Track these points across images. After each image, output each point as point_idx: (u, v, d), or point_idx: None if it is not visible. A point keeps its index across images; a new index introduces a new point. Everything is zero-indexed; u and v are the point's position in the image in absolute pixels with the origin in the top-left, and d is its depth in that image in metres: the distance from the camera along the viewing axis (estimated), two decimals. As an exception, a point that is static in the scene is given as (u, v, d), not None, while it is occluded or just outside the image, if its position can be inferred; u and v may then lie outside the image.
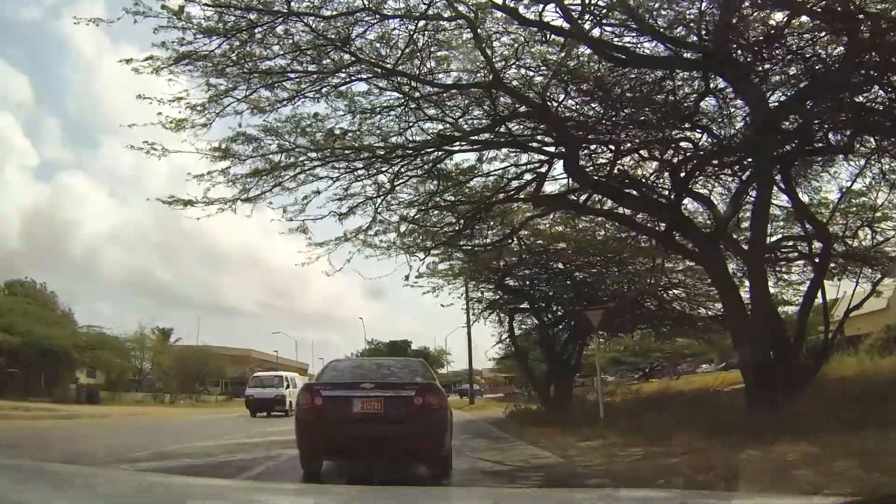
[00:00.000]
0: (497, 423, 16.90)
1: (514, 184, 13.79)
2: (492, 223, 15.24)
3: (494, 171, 13.08)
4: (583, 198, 13.36)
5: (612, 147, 12.44)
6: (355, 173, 13.24)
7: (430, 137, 11.74)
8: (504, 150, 13.21)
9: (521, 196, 13.24)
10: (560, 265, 19.53)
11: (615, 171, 12.37)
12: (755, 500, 2.94)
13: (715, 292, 20.83)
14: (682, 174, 12.27)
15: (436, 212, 14.25)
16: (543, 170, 12.99)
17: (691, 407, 15.26)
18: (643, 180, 12.87)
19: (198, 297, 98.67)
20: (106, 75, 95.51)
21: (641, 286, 18.03)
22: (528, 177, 13.46)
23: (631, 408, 16.32)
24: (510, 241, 15.30)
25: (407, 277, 16.36)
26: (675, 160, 12.19)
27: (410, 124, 12.34)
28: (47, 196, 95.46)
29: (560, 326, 20.34)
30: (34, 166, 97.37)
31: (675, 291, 19.85)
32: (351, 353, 60.95)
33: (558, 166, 14.32)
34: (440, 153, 12.51)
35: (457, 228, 14.27)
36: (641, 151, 12.54)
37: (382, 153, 12.50)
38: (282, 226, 14.11)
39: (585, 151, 12.68)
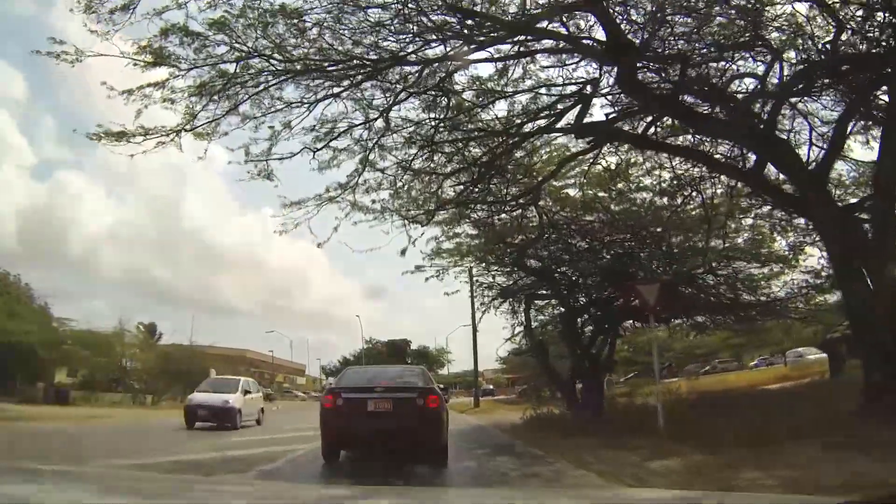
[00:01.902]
0: (515, 432, 13.04)
1: (540, 128, 10.08)
2: (510, 177, 11.42)
3: (521, 91, 9.30)
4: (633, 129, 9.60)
5: (680, 55, 8.71)
6: (338, 96, 9.54)
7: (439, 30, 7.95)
8: (534, 75, 9.52)
9: (559, 127, 9.46)
10: (584, 244, 15.78)
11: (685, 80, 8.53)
12: (755, 500, 2.64)
13: (761, 275, 17.32)
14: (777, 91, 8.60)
15: (442, 157, 10.49)
16: (584, 93, 9.26)
17: (762, 408, 11.54)
18: (728, 92, 8.94)
19: (197, 298, 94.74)
20: (99, 71, 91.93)
21: (693, 263, 14.30)
22: (561, 108, 9.74)
23: (683, 411, 12.56)
24: (533, 199, 11.46)
25: (404, 253, 12.73)
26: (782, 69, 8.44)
27: (411, 32, 8.64)
28: (44, 195, 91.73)
29: (586, 316, 16.54)
30: (31, 165, 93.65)
31: (717, 275, 16.10)
32: (349, 354, 57.03)
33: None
34: (451, 65, 8.79)
35: (471, 178, 10.51)
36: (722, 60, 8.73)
37: (372, 63, 8.79)
38: (246, 183, 10.36)
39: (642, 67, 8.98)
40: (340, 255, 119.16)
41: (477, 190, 10.83)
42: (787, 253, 16.37)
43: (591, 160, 12.60)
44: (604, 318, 16.04)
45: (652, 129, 9.67)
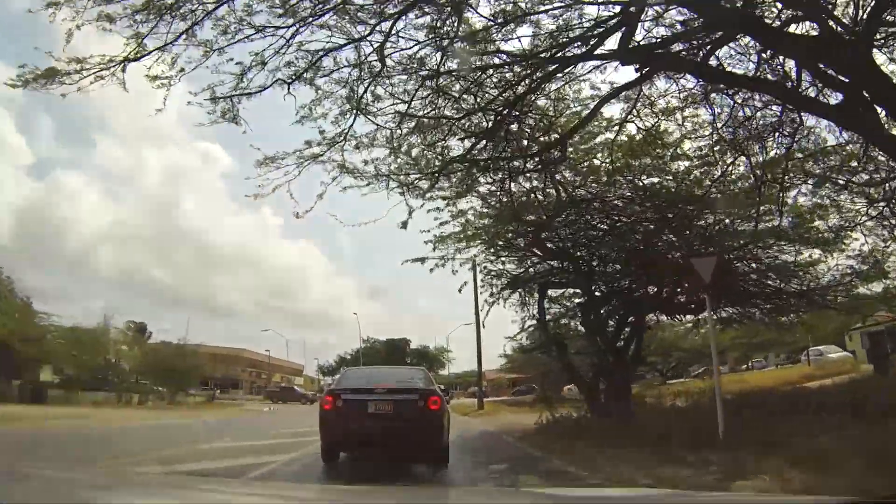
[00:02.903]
0: (533, 440, 10.88)
1: (575, 56, 7.98)
2: (530, 132, 9.31)
3: (553, 7, 7.18)
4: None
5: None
6: (320, 19, 7.45)
7: None
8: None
9: (599, 53, 7.37)
10: (606, 225, 13.70)
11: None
12: (755, 500, 2.65)
13: (799, 260, 15.23)
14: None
15: (449, 102, 8.39)
16: (630, 11, 7.14)
17: (833, 411, 9.39)
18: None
19: (196, 299, 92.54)
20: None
21: (734, 245, 12.24)
22: (599, 32, 7.62)
23: (734, 414, 10.43)
24: (559, 157, 9.34)
25: (405, 225, 10.70)
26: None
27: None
28: (41, 194, 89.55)
29: (607, 307, 14.41)
30: (28, 164, 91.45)
31: (759, 260, 14.04)
32: (345, 352, 54.80)
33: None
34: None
35: (485, 127, 8.43)
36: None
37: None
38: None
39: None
40: (339, 255, 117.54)
41: (491, 145, 8.73)
42: (831, 236, 14.34)
43: (621, 121, 10.60)
44: (628, 308, 13.93)
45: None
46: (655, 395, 14.23)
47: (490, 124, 8.35)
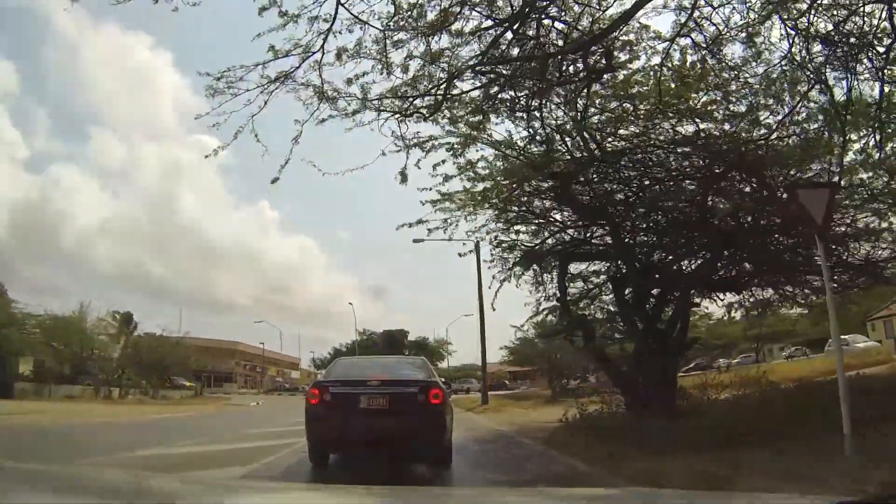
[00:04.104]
0: (563, 446, 8.31)
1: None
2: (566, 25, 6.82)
3: None
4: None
5: None
6: None
7: None
8: None
9: None
10: (637, 183, 11.29)
11: None
12: (755, 500, 2.53)
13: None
14: None
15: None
16: None
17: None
18: None
19: (193, 294, 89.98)
20: (90, 58, 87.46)
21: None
22: None
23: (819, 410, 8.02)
24: (606, 61, 6.85)
25: (404, 177, 8.44)
26: None
27: None
28: (37, 188, 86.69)
29: (643, 282, 11.93)
30: (24, 158, 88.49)
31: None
32: (341, 345, 52.24)
33: None
34: None
35: (511, 14, 5.97)
36: None
37: None
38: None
39: None
40: (338, 250, 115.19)
41: (517, 44, 6.27)
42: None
43: (672, 37, 8.16)
44: (667, 283, 11.49)
45: None
46: (699, 386, 11.79)
47: (516, 10, 5.87)
